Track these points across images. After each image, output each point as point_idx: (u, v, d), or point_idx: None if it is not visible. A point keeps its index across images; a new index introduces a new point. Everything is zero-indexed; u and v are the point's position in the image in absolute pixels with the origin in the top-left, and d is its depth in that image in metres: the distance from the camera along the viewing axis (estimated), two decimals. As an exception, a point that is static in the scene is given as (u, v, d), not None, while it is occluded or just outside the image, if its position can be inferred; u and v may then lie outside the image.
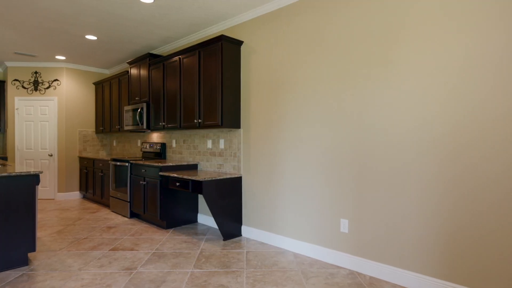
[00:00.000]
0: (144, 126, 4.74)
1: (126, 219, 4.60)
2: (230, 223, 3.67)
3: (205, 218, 4.31)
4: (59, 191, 6.12)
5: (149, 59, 4.77)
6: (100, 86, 6.28)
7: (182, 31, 4.29)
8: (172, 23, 4.00)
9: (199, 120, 3.88)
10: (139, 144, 5.80)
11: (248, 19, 3.72)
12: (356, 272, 2.74)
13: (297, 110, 3.22)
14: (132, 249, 3.29)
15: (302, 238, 3.18)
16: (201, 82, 3.87)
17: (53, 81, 6.11)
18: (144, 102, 4.80)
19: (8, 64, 6.00)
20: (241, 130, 3.81)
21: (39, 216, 4.79)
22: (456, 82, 2.24)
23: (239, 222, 3.77)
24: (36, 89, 6.09)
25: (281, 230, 3.38)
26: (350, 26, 2.81)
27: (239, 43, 3.75)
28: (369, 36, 2.69)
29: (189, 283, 2.52)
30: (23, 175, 2.83)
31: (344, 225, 2.84)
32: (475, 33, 2.16)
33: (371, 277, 2.63)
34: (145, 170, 4.30)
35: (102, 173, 5.42)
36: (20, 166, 3.52)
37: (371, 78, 2.67)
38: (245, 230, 3.75)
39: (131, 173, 4.62)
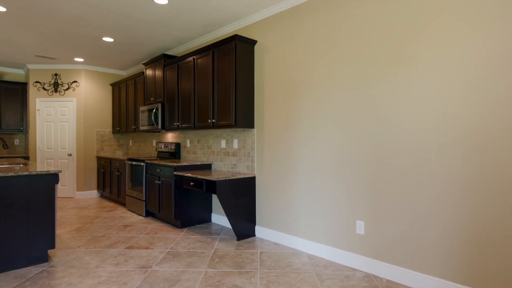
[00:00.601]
0: (159, 126, 4.80)
1: (141, 217, 4.68)
2: (244, 223, 3.66)
3: (219, 218, 4.32)
4: (77, 189, 6.29)
5: (164, 60, 4.83)
6: (117, 87, 6.41)
7: (196, 31, 4.32)
8: (186, 24, 4.04)
9: (213, 120, 3.89)
10: (154, 144, 5.88)
11: (261, 18, 3.70)
12: (373, 275, 2.67)
13: (312, 109, 3.18)
14: (147, 248, 3.34)
15: (316, 239, 3.14)
16: (215, 82, 3.88)
17: (72, 83, 6.28)
18: (159, 103, 4.87)
19: (30, 66, 6.21)
20: (255, 129, 3.80)
21: (58, 214, 4.94)
22: (479, 76, 2.15)
23: (253, 222, 3.76)
24: (56, 90, 6.27)
25: (295, 231, 3.35)
26: (367, 22, 2.75)
27: (252, 42, 3.74)
28: (386, 33, 2.62)
29: (203, 282, 2.53)
30: (43, 174, 2.92)
31: (360, 227, 2.78)
32: (497, 27, 2.07)
33: (388, 281, 2.56)
34: (160, 170, 4.35)
35: (118, 172, 5.53)
36: (40, 165, 3.63)
37: (389, 76, 2.60)
38: (259, 230, 3.74)
39: (146, 173, 4.69)
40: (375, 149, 2.68)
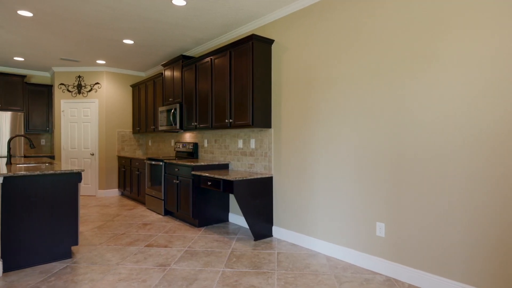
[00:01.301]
0: (177, 126, 4.87)
1: (160, 216, 4.76)
2: (261, 223, 3.65)
3: (236, 218, 4.33)
4: (99, 188, 6.48)
5: (182, 61, 4.89)
6: (137, 88, 6.56)
7: (214, 32, 4.34)
8: (204, 24, 4.07)
9: (230, 120, 3.90)
10: (172, 144, 5.97)
11: (279, 17, 3.68)
12: (394, 278, 2.59)
13: (331, 108, 3.12)
14: (166, 246, 3.38)
15: (335, 241, 3.08)
16: (232, 82, 3.89)
17: (94, 84, 6.48)
18: (177, 103, 4.93)
19: (55, 69, 6.46)
20: (272, 129, 3.78)
21: (81, 211, 5.10)
22: (505, 73, 2.03)
23: (270, 223, 3.74)
24: (79, 92, 6.49)
25: (313, 232, 3.30)
26: (389, 18, 2.67)
27: (270, 42, 3.72)
28: (409, 28, 2.54)
29: (220, 282, 2.53)
30: (67, 173, 3.02)
31: (381, 229, 2.71)
32: (531, 21, 1.95)
33: (410, 285, 2.48)
34: (178, 169, 4.41)
35: (138, 171, 5.65)
36: (65, 164, 3.75)
37: (411, 73, 2.52)
38: (276, 230, 3.71)
39: (165, 172, 4.76)
40: (396, 149, 2.60)
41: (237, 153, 4.31)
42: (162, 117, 5.29)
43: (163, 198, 4.78)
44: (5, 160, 4.53)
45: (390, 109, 2.64)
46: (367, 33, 2.82)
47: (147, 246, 3.40)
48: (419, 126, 2.47)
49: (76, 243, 3.08)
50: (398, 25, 2.60)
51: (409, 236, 2.53)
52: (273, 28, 3.77)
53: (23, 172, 2.76)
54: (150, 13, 3.70)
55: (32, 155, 6.51)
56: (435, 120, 2.38)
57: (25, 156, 6.16)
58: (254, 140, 4.02)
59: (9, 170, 2.91)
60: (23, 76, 6.31)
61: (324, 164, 3.18)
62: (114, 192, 6.62)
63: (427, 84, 2.42)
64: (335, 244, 3.08)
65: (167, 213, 4.82)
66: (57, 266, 2.86)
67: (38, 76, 6.87)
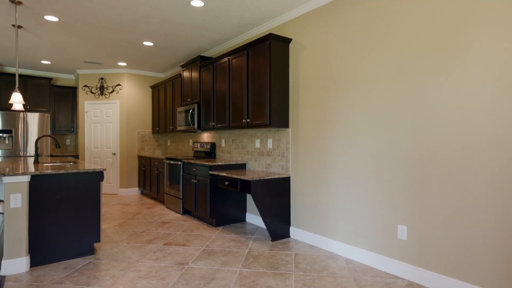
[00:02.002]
0: (195, 126, 4.92)
1: (178, 215, 4.82)
2: (278, 224, 3.62)
3: (253, 218, 4.32)
4: (121, 187, 6.65)
5: (200, 61, 4.93)
6: (156, 89, 6.69)
7: (231, 32, 4.35)
8: (221, 25, 4.08)
9: (247, 120, 3.89)
10: (190, 143, 6.04)
11: (297, 15, 3.64)
12: (416, 283, 2.50)
13: (350, 107, 3.05)
14: (184, 245, 3.42)
15: (354, 243, 3.01)
16: (249, 81, 3.88)
17: (116, 86, 6.66)
18: (195, 103, 4.98)
19: (79, 72, 6.69)
20: (290, 129, 3.74)
21: (103, 209, 5.25)
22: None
23: (288, 223, 3.70)
24: (102, 93, 6.69)
25: (332, 233, 3.24)
26: (413, 13, 2.58)
27: (287, 41, 3.68)
28: (435, 24, 2.44)
29: (237, 282, 2.53)
30: (89, 172, 3.11)
31: (402, 232, 2.62)
32: None
33: (434, 291, 2.38)
34: (196, 169, 4.45)
35: (157, 171, 5.76)
36: (88, 163, 3.87)
37: (438, 71, 2.42)
38: (294, 231, 3.67)
39: (183, 172, 4.82)
40: (419, 149, 2.51)
41: (254, 153, 4.30)
42: (180, 117, 5.36)
43: (181, 197, 4.84)
44: (33, 159, 4.73)
45: (413, 108, 2.55)
46: (389, 30, 2.73)
47: (166, 244, 3.45)
48: (442, 126, 2.36)
49: (98, 240, 3.16)
50: (422, 21, 2.50)
51: (433, 240, 2.43)
52: (291, 27, 3.73)
53: (49, 171, 2.87)
54: (169, 15, 3.75)
55: (58, 154, 6.77)
56: (459, 120, 2.27)
57: (51, 156, 6.42)
58: (271, 140, 4.00)
59: (36, 169, 3.03)
60: (50, 79, 6.57)
61: (343, 164, 3.12)
62: (135, 190, 6.77)
63: (452, 83, 2.31)
64: (355, 246, 3.00)
65: (185, 212, 4.88)
66: (80, 262, 2.95)
67: (64, 78, 7.14)
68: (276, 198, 3.60)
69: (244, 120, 3.95)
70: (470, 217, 2.22)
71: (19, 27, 4.13)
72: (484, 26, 2.15)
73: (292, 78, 3.71)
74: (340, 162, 3.14)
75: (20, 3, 3.40)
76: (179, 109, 5.42)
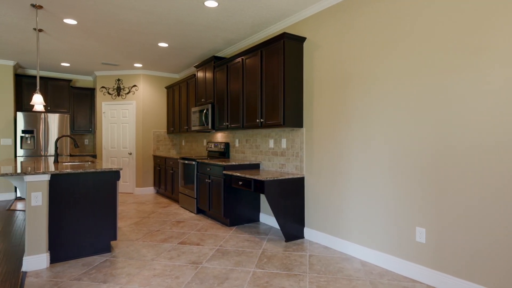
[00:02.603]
0: (209, 126, 4.94)
1: (193, 214, 4.86)
2: (292, 224, 3.59)
3: (267, 218, 4.30)
4: (136, 186, 6.77)
5: (214, 62, 4.96)
6: (171, 89, 6.77)
7: (245, 32, 4.35)
8: (235, 25, 4.09)
9: (261, 120, 3.88)
10: (204, 143, 6.08)
11: (311, 13, 3.59)
12: (435, 288, 2.42)
13: (367, 108, 2.99)
14: (198, 244, 3.44)
15: (370, 245, 2.94)
16: (263, 81, 3.87)
17: (132, 87, 6.78)
18: (209, 103, 5.01)
19: (97, 73, 6.85)
20: (304, 129, 3.70)
21: (120, 208, 5.36)
22: None
23: (302, 224, 3.67)
24: (118, 94, 6.83)
25: (347, 235, 3.18)
26: (433, 10, 2.50)
27: (301, 39, 3.65)
28: (456, 21, 2.35)
29: (251, 282, 2.52)
30: (106, 171, 3.17)
31: (421, 234, 2.54)
32: None
33: (454, 296, 2.29)
34: (210, 169, 4.47)
35: (172, 170, 5.82)
36: (105, 163, 3.95)
37: (457, 68, 2.33)
38: (308, 232, 3.63)
39: (197, 171, 4.86)
40: (438, 149, 2.42)
41: (268, 153, 4.28)
42: (194, 118, 5.41)
43: (195, 197, 4.88)
44: (53, 158, 4.88)
45: (432, 108, 2.47)
46: (408, 27, 2.66)
47: (180, 243, 3.48)
48: (463, 126, 2.28)
49: (115, 238, 3.22)
50: (440, 17, 2.42)
51: (453, 242, 2.34)
52: (305, 26, 3.69)
53: (68, 170, 2.94)
54: (184, 15, 3.78)
55: (77, 154, 6.96)
56: (482, 120, 2.18)
57: (70, 155, 6.60)
58: (285, 140, 3.97)
59: (56, 168, 3.11)
60: (69, 81, 6.77)
61: (358, 164, 3.05)
62: (150, 190, 6.88)
63: (474, 81, 2.22)
64: (371, 248, 2.94)
65: (199, 211, 4.91)
66: (97, 259, 3.02)
67: (82, 80, 7.33)
68: (290, 199, 3.57)
69: (258, 120, 3.94)
70: (492, 219, 2.13)
71: (40, 30, 4.26)
72: (505, 24, 2.06)
73: (307, 77, 3.67)
74: (355, 162, 3.08)
75: (41, 7, 3.50)
76: (193, 109, 5.47)
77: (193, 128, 5.46)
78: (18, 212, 5.00)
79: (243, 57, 4.24)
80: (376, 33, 2.90)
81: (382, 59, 2.85)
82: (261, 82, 3.91)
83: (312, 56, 3.60)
